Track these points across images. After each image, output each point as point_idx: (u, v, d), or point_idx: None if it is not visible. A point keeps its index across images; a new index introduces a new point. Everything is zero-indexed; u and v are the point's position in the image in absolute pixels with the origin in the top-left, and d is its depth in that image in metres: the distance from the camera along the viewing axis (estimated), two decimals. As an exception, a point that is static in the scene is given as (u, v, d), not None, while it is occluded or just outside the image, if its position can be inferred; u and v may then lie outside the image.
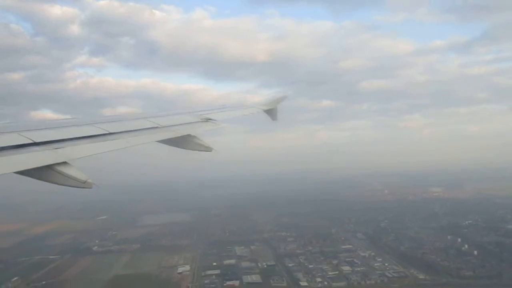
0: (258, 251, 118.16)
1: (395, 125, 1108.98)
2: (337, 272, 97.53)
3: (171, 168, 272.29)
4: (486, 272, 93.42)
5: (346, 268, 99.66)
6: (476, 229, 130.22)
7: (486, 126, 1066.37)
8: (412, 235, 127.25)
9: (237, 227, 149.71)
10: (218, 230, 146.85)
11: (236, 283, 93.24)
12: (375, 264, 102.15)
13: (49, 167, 6.93)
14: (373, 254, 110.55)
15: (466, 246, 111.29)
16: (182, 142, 11.06)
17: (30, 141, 7.60)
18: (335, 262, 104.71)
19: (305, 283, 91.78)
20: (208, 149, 11.13)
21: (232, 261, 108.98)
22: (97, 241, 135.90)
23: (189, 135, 11.22)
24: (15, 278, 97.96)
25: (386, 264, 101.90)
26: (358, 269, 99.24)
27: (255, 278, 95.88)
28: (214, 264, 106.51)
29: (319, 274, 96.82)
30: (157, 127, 11.21)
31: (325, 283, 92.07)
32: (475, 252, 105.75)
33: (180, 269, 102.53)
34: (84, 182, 6.90)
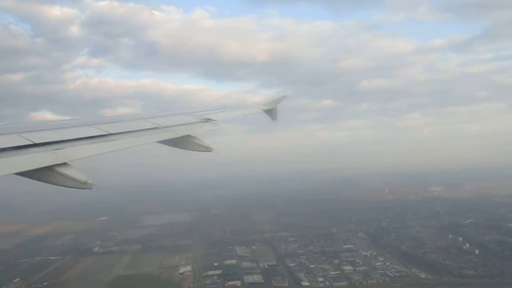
0: (259, 251, 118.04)
1: (395, 125, 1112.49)
2: (338, 272, 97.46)
3: (171, 169, 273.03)
4: (488, 271, 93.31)
5: (348, 268, 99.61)
6: (477, 228, 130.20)
7: (486, 125, 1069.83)
8: (413, 234, 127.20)
9: (237, 227, 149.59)
10: (219, 230, 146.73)
11: (238, 283, 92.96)
12: (377, 264, 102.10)
13: (49, 168, 6.92)
14: (374, 253, 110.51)
15: (468, 245, 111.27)
16: (182, 142, 11.04)
17: (30, 142, 7.59)
18: (336, 261, 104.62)
19: (307, 283, 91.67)
20: (208, 149, 11.10)
21: (233, 261, 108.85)
22: (98, 242, 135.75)
23: (189, 136, 11.20)
24: (17, 279, 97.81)
25: (388, 264, 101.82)
26: (360, 268, 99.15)
27: (256, 278, 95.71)
28: (215, 264, 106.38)
29: (321, 274, 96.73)
30: (157, 128, 11.22)
31: (327, 282, 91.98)
32: (477, 251, 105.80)
33: (181, 270, 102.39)
34: (84, 183, 6.89)
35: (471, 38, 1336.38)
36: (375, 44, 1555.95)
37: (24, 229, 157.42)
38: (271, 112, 18.69)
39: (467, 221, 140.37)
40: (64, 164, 7.13)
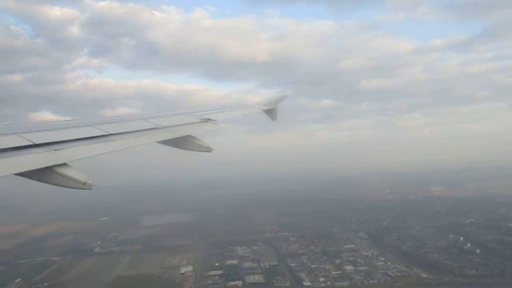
0: (260, 251, 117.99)
1: (395, 124, 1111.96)
2: (340, 272, 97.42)
3: (171, 169, 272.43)
4: (489, 271, 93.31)
5: (349, 268, 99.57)
6: (478, 227, 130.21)
7: (486, 124, 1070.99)
8: (414, 234, 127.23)
9: (238, 227, 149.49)
10: (219, 230, 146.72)
11: (239, 283, 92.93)
12: (378, 264, 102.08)
13: (49, 169, 6.93)
14: (375, 253, 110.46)
15: (469, 244, 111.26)
16: (182, 142, 11.05)
17: (30, 143, 7.61)
18: (337, 261, 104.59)
19: (308, 283, 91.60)
20: (208, 149, 11.10)
21: (235, 261, 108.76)
22: (98, 242, 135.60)
23: (189, 136, 11.21)
24: (18, 280, 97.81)
25: (389, 263, 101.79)
26: (361, 268, 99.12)
27: (258, 278, 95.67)
28: (217, 264, 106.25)
29: (322, 273, 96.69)
30: (157, 128, 11.24)
31: (328, 282, 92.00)
32: (478, 251, 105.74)
33: (182, 270, 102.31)
34: (84, 183, 6.89)
35: (471, 37, 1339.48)
36: (375, 44, 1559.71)
37: (24, 229, 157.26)
38: (271, 112, 18.72)
39: (468, 220, 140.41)
40: (64, 164, 7.14)
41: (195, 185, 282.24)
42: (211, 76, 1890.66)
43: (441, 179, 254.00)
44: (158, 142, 10.44)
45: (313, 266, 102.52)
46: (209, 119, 13.40)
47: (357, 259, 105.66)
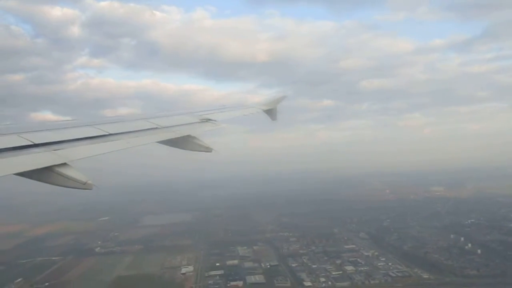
0: (261, 251, 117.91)
1: (395, 124, 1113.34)
2: (340, 272, 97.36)
3: (171, 169, 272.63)
4: (490, 271, 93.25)
5: (350, 268, 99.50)
6: (479, 228, 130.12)
7: (486, 124, 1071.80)
8: (415, 234, 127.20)
9: (238, 227, 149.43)
10: (220, 231, 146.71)
11: (240, 283, 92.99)
12: (379, 264, 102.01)
13: (49, 169, 6.93)
14: (376, 253, 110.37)
15: (470, 245, 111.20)
16: (182, 142, 11.05)
17: (30, 143, 7.62)
18: (338, 262, 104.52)
19: (309, 283, 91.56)
20: (208, 149, 11.11)
21: (235, 262, 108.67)
22: (99, 242, 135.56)
23: (189, 136, 11.21)
24: (19, 280, 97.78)
25: (390, 264, 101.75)
26: (362, 268, 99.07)
27: (258, 278, 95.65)
28: (217, 264, 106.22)
29: (323, 274, 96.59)
30: (157, 128, 11.24)
31: (329, 283, 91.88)
32: (479, 251, 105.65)
33: (183, 270, 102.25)
34: (84, 183, 6.89)
35: (471, 37, 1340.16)
36: (376, 44, 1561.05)
37: (24, 229, 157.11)
38: (271, 112, 18.71)
39: (469, 221, 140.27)
40: (64, 164, 7.14)
41: (195, 185, 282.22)
42: (211, 76, 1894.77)
43: (442, 179, 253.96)
44: (158, 142, 10.45)
45: (313, 266, 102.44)
46: (209, 119, 13.42)
47: (358, 259, 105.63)
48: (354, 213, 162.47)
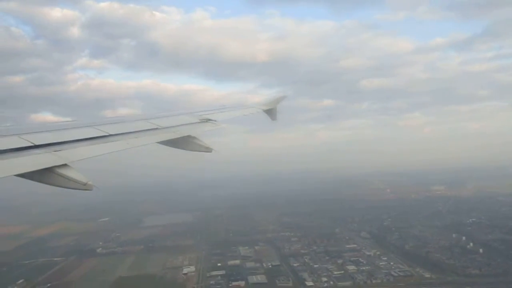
0: (262, 251, 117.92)
1: (396, 124, 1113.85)
2: (342, 272, 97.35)
3: (172, 169, 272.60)
4: (492, 270, 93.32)
5: (352, 268, 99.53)
6: (480, 227, 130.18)
7: (487, 123, 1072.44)
8: (417, 233, 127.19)
9: (239, 227, 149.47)
10: (221, 231, 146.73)
11: (242, 283, 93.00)
12: (381, 263, 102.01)
13: (50, 170, 6.95)
14: (378, 253, 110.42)
15: (471, 244, 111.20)
16: (182, 143, 11.05)
17: (31, 144, 7.65)
18: (340, 261, 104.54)
19: (311, 283, 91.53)
20: (208, 149, 11.11)
21: (237, 262, 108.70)
22: (100, 243, 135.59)
23: (189, 136, 11.22)
24: (21, 281, 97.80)
25: (392, 263, 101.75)
26: (364, 268, 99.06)
27: (260, 278, 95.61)
28: (219, 264, 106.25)
29: (325, 273, 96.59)
30: (157, 128, 11.26)
31: (331, 282, 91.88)
32: (481, 250, 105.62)
33: (185, 270, 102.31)
34: (85, 184, 6.90)
35: (472, 36, 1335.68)
36: (376, 44, 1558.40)
37: (26, 230, 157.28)
38: (271, 112, 18.71)
39: (470, 220, 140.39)
40: (65, 165, 7.15)
41: (195, 185, 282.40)
42: (212, 76, 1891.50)
43: (442, 178, 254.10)
44: (158, 142, 10.46)
45: (315, 266, 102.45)
46: (209, 119, 13.43)
47: (360, 259, 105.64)
48: (355, 213, 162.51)
